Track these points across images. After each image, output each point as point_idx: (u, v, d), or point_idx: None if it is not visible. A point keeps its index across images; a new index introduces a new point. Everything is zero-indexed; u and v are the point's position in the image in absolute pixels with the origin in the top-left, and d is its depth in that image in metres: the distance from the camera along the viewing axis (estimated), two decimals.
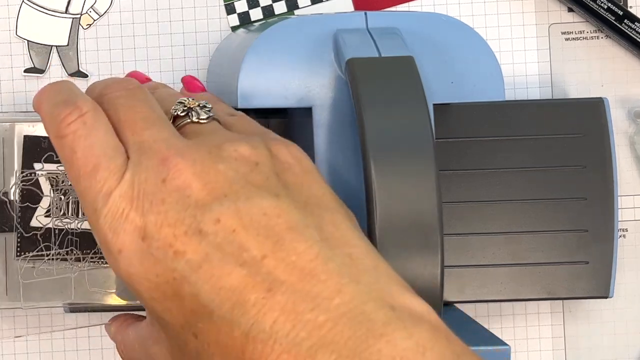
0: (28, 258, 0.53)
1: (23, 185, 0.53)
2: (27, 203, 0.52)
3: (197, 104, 0.44)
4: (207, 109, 0.44)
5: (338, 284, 0.37)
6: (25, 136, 0.53)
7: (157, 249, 0.39)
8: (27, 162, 0.53)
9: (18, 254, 0.52)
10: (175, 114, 0.44)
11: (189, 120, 0.43)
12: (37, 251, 0.52)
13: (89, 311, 0.55)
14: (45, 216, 0.53)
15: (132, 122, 0.42)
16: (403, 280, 0.39)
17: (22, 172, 0.53)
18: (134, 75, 0.50)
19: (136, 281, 0.40)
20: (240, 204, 0.39)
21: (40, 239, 0.53)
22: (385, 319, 0.36)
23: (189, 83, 0.50)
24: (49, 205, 0.53)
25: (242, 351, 0.37)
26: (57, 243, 0.52)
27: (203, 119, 0.43)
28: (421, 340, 0.36)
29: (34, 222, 0.53)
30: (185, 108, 0.44)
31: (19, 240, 0.53)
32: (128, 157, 0.41)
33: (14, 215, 0.52)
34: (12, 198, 0.53)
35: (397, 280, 0.38)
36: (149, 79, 0.50)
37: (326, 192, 0.41)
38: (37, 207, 0.53)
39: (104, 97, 0.43)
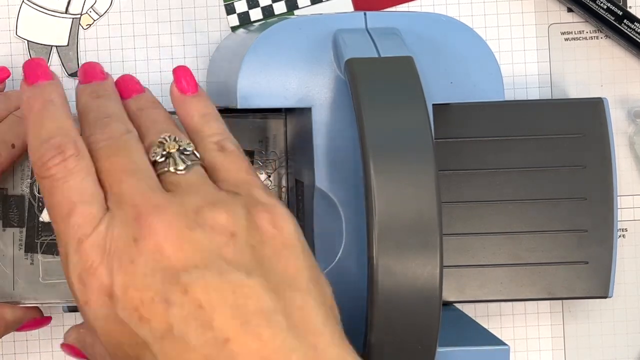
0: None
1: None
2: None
3: (177, 147, 0.42)
4: (187, 154, 0.42)
5: None
6: None
7: (123, 310, 0.38)
8: None
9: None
10: (154, 159, 0.42)
11: (166, 170, 0.41)
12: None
13: None
14: None
15: (111, 172, 0.41)
16: None
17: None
18: (126, 79, 0.47)
19: (100, 333, 0.40)
20: (209, 278, 0.37)
21: None
22: None
23: (180, 82, 0.46)
24: None
25: None
26: None
27: (180, 170, 0.41)
28: None
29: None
30: (164, 153, 0.41)
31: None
32: (108, 207, 0.40)
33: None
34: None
35: None
36: (140, 90, 0.46)
37: (302, 269, 0.39)
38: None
39: (90, 142, 0.42)
